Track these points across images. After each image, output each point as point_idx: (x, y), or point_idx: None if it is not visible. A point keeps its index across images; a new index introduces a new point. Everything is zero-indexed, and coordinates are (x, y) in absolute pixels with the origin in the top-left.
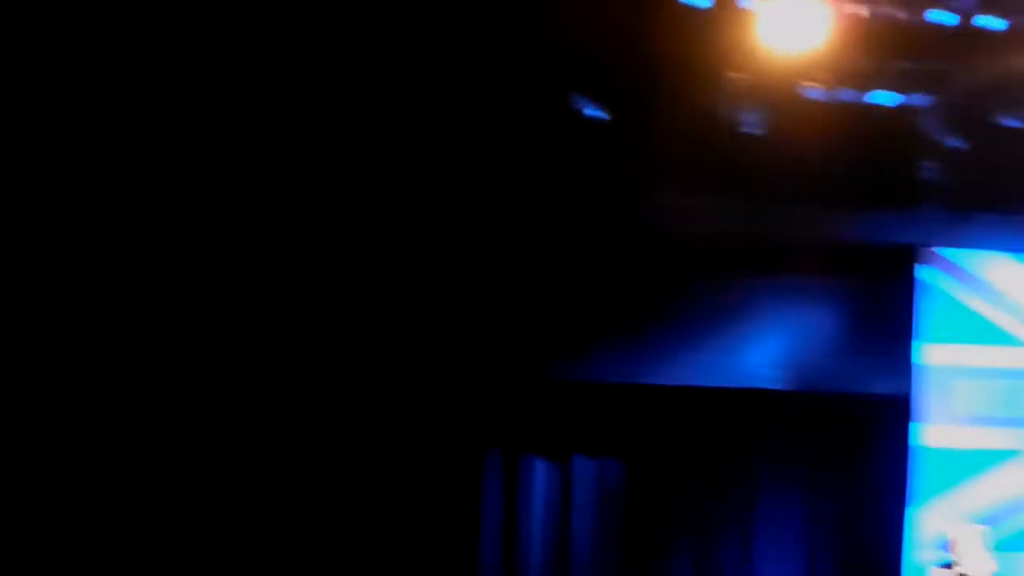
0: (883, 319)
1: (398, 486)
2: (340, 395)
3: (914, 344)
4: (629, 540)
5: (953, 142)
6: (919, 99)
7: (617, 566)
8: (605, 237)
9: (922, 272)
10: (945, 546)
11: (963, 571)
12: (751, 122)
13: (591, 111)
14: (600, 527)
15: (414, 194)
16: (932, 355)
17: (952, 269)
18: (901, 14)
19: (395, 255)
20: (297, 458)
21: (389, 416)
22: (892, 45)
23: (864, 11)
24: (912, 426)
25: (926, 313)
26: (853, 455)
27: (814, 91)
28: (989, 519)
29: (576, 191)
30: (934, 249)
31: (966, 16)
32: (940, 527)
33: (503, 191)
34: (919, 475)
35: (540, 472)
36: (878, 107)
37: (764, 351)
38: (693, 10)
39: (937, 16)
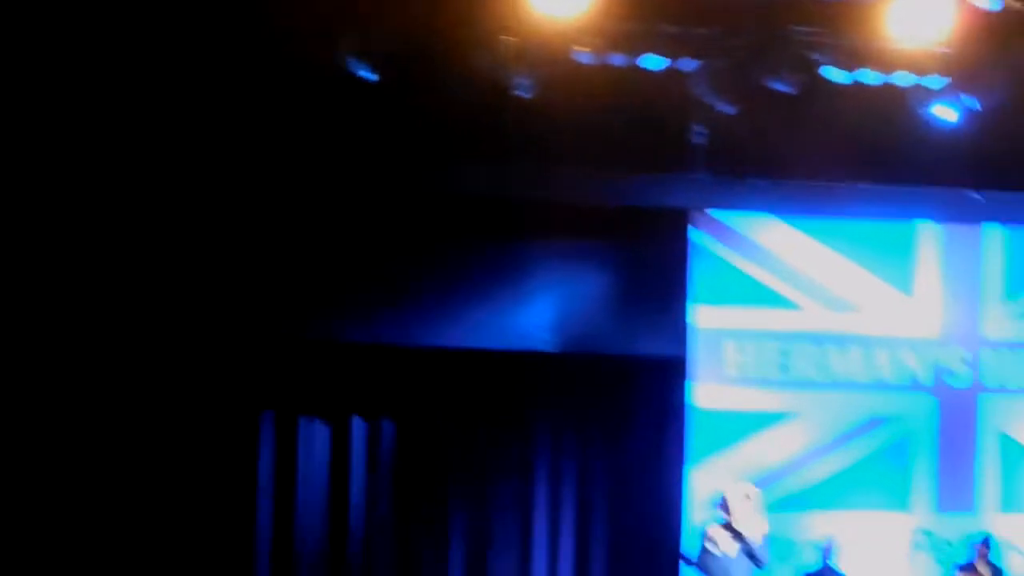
0: (656, 281)
1: (173, 452)
2: (110, 362)
3: (687, 306)
4: (406, 501)
5: (723, 106)
6: (688, 64)
7: (394, 526)
8: (382, 199)
9: (694, 235)
10: (719, 506)
11: (736, 530)
12: (523, 86)
13: (363, 73)
14: (377, 488)
15: (173, 156)
16: (704, 317)
17: (723, 232)
18: None
19: (158, 217)
20: (70, 425)
21: (160, 382)
22: (662, 10)
23: None
24: (685, 387)
25: (698, 275)
26: (628, 416)
27: (585, 55)
28: (761, 480)
29: (348, 152)
30: (706, 212)
31: None
32: (714, 487)
33: (274, 152)
34: (693, 436)
35: (316, 434)
36: (648, 71)
37: (538, 313)
38: None
39: None
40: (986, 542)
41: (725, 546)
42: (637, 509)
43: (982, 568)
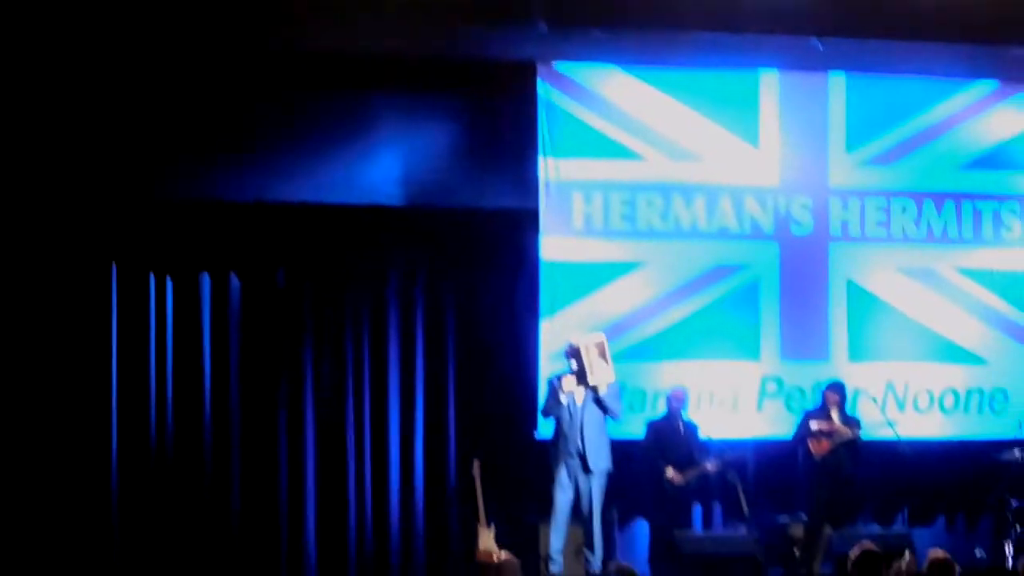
0: (504, 135)
1: (27, 306)
2: None
3: (536, 159)
4: (256, 355)
5: None
6: None
7: (245, 379)
8: (226, 58)
9: (542, 89)
10: (568, 355)
11: (585, 380)
12: None
13: None
14: (226, 343)
15: (20, 14)
16: (553, 170)
17: (570, 85)
18: None
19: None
20: None
21: (11, 241)
22: None
23: None
24: (536, 240)
25: (546, 128)
26: (479, 269)
27: None
28: (610, 330)
29: (192, 12)
30: (552, 66)
31: None
32: (564, 338)
33: (121, 10)
34: (543, 288)
35: (165, 289)
36: None
37: (386, 167)
38: None
39: None
40: (835, 388)
41: (574, 395)
42: (491, 361)
43: (835, 415)
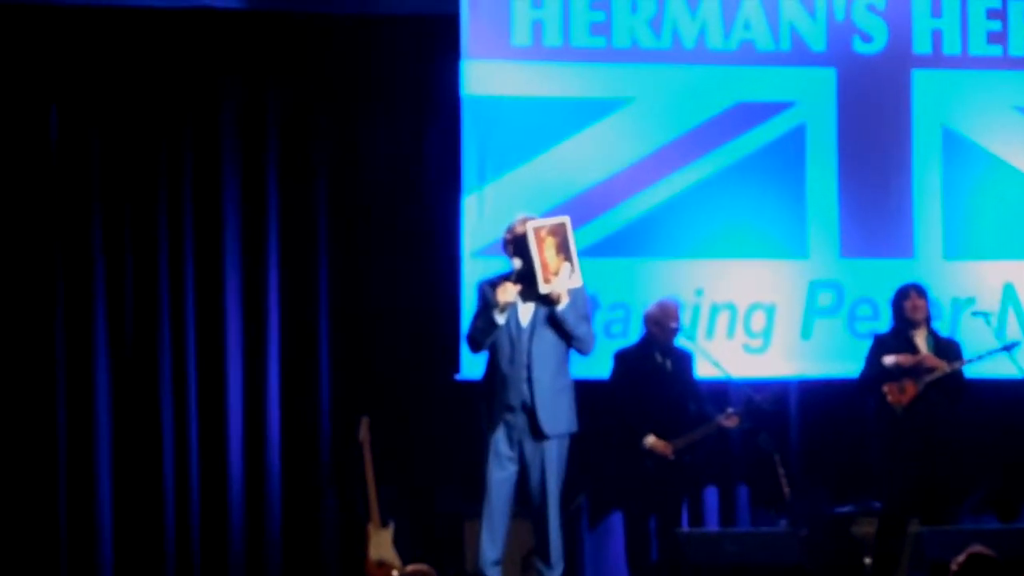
0: None
1: None
2: None
3: None
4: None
5: None
6: None
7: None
8: None
9: None
10: (509, 248)
11: (535, 287)
12: None
13: None
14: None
15: None
16: None
17: None
18: None
19: None
20: None
21: None
22: None
23: None
24: (456, 63)
25: None
26: (368, 107)
27: None
28: (573, 209)
29: None
30: None
31: None
32: (500, 222)
33: None
34: (467, 139)
35: None
36: None
37: None
38: None
39: None
40: (921, 295)
41: (518, 311)
42: (384, 256)
43: (921, 341)
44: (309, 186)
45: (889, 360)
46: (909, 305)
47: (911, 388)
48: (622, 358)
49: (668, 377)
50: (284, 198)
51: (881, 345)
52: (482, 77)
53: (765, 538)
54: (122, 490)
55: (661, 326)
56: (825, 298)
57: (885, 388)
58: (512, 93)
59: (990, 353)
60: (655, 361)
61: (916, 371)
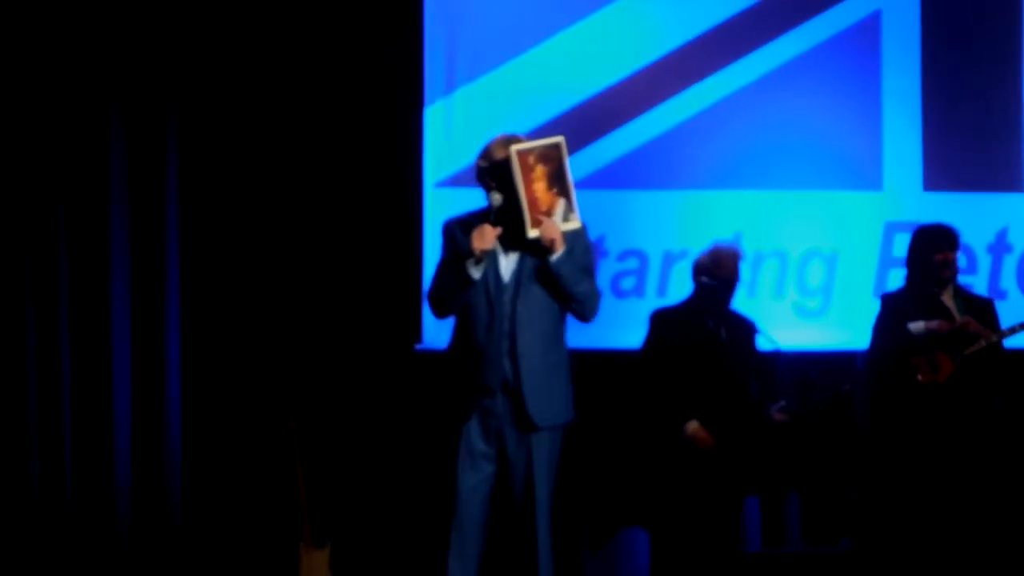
0: None
1: None
2: None
3: None
4: None
5: None
6: None
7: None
8: None
9: None
10: (485, 177)
11: (520, 228)
12: None
13: None
14: None
15: None
16: None
17: None
18: None
19: None
20: None
21: None
22: None
23: None
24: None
25: None
26: None
27: None
28: (570, 125)
29: None
30: None
31: None
32: (473, 144)
33: None
34: (430, 30)
35: None
36: None
37: None
38: None
39: None
40: (951, 241)
41: (499, 259)
42: (326, 190)
43: (950, 302)
44: (208, 101)
45: (917, 327)
46: (940, 259)
47: (946, 363)
48: (661, 320)
49: (721, 349)
50: (185, 125)
51: (896, 309)
52: None
53: (825, 560)
54: None
55: (719, 277)
56: (905, 243)
57: (914, 362)
58: None
59: None
60: (705, 328)
61: (953, 341)
